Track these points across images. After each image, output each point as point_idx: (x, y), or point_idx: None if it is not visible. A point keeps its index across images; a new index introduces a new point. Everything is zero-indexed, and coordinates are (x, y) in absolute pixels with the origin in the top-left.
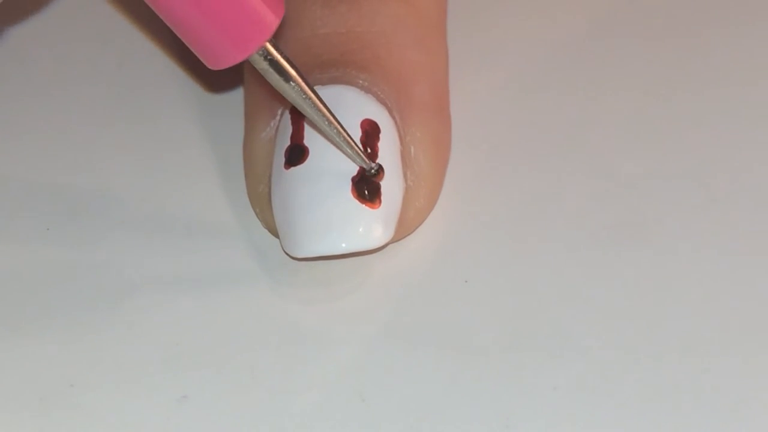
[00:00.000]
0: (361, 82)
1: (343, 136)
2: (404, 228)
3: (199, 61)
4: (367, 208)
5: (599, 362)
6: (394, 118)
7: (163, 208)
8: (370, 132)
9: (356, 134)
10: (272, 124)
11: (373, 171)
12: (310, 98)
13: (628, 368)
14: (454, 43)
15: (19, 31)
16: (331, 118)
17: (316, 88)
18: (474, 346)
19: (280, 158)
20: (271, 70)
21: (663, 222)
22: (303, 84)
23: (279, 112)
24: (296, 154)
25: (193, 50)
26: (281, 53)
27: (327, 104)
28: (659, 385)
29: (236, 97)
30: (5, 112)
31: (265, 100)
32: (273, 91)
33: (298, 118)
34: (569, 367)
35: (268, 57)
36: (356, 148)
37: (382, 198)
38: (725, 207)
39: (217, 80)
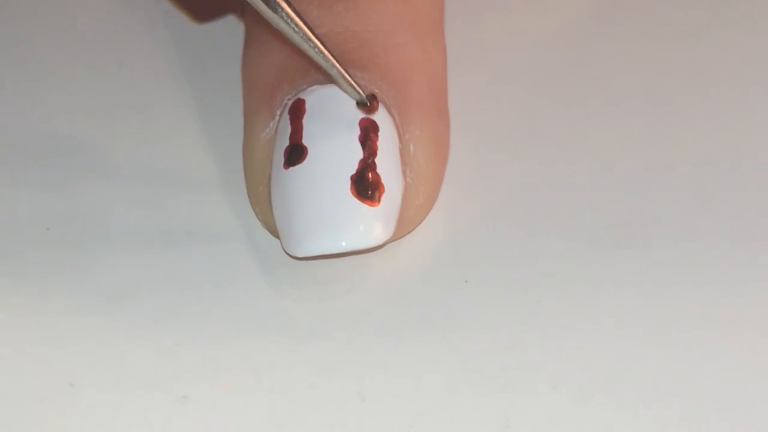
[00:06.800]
0: (359, 81)
1: (337, 69)
2: (404, 226)
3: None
4: (366, 206)
5: (599, 362)
6: (392, 116)
7: (164, 208)
8: (369, 130)
9: (355, 132)
10: (271, 124)
11: (366, 103)
12: (299, 27)
13: (628, 368)
14: (452, 40)
15: (19, 30)
16: (327, 53)
17: (314, 87)
18: (474, 345)
19: (279, 158)
20: None
21: (663, 220)
22: (291, 12)
23: (278, 112)
24: (295, 154)
25: None
26: None
27: (325, 103)
28: (659, 385)
29: (237, 98)
30: (5, 112)
31: (263, 101)
32: (272, 91)
33: (296, 117)
34: (569, 367)
35: None
36: (349, 80)
37: (382, 196)
38: (725, 205)
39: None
